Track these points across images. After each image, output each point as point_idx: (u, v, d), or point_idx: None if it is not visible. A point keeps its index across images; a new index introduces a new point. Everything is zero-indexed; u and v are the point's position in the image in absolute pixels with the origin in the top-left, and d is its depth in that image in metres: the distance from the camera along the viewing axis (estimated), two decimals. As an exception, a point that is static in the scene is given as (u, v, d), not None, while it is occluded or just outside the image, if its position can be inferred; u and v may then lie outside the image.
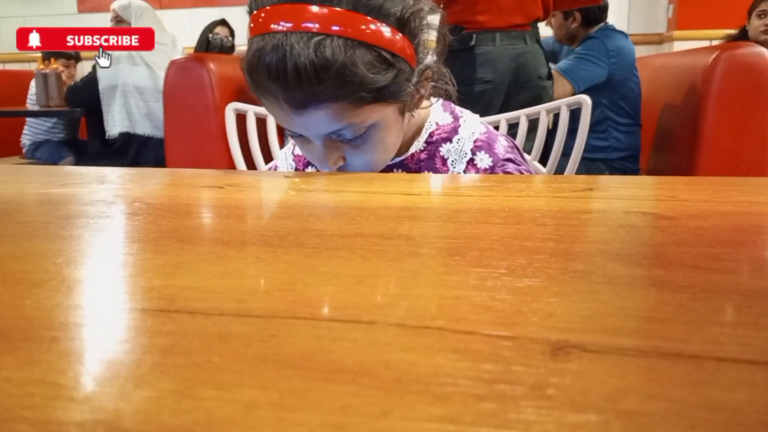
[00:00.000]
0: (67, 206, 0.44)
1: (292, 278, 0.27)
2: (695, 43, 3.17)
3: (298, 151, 0.74)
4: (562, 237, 0.34)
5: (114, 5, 2.54)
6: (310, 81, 0.53)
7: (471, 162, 0.67)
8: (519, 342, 0.20)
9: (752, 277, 0.27)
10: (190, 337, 0.21)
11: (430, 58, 0.64)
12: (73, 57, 3.26)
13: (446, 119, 0.69)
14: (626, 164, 2.11)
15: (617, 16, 3.54)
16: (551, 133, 1.13)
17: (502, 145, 0.69)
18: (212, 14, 3.68)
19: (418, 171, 0.68)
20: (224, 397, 0.17)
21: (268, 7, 0.55)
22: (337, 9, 0.53)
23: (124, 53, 2.43)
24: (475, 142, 0.67)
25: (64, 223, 0.39)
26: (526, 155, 1.00)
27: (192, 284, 0.26)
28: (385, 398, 0.17)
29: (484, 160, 0.67)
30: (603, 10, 2.16)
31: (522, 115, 1.06)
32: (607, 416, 0.16)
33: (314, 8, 0.53)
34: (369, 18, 0.54)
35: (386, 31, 0.56)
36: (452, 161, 0.67)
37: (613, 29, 2.13)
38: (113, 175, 0.59)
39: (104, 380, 0.18)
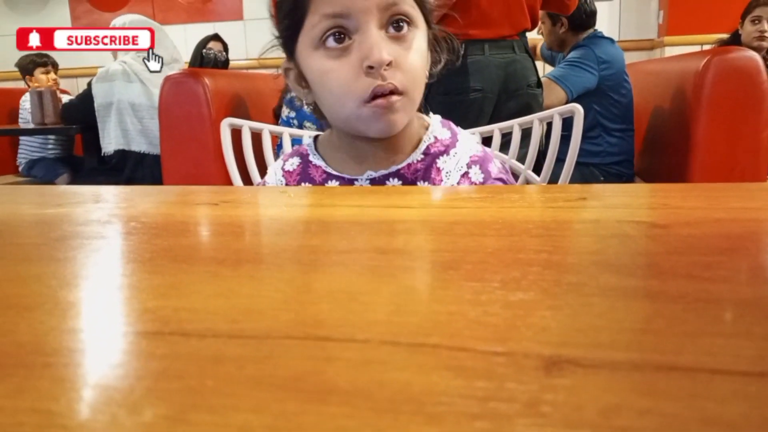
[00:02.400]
0: (61, 227, 0.44)
1: (286, 296, 0.27)
2: (686, 49, 3.19)
3: (288, 167, 0.74)
4: (556, 248, 0.34)
5: (114, 22, 2.54)
6: None
7: (465, 175, 0.68)
8: (513, 358, 0.20)
9: (745, 286, 0.27)
10: (183, 359, 0.21)
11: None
12: (50, 63, 3.25)
13: (445, 134, 0.70)
14: (620, 169, 2.12)
15: (608, 22, 3.57)
16: (544, 142, 1.13)
17: (495, 165, 0.70)
18: (206, 29, 3.70)
19: (414, 181, 0.68)
20: (217, 421, 0.17)
21: None
22: None
23: (119, 70, 2.43)
24: (471, 157, 0.68)
25: (59, 245, 0.39)
26: (519, 164, 1.00)
27: (186, 305, 0.26)
28: (379, 419, 0.17)
29: (477, 174, 0.67)
30: (590, 16, 2.18)
31: (515, 124, 1.07)
32: (601, 433, 0.16)
33: None
34: None
35: None
36: (447, 173, 0.68)
37: (601, 36, 2.15)
38: (108, 194, 0.59)
39: (97, 407, 0.18)
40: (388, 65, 0.58)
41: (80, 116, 2.56)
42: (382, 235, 0.38)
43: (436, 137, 0.70)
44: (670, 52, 3.28)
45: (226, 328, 0.23)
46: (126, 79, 2.43)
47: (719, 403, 0.17)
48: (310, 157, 0.72)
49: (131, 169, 2.51)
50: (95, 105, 2.47)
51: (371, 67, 0.58)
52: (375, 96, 0.59)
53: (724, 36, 2.68)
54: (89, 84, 2.55)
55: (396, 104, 0.60)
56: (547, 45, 2.34)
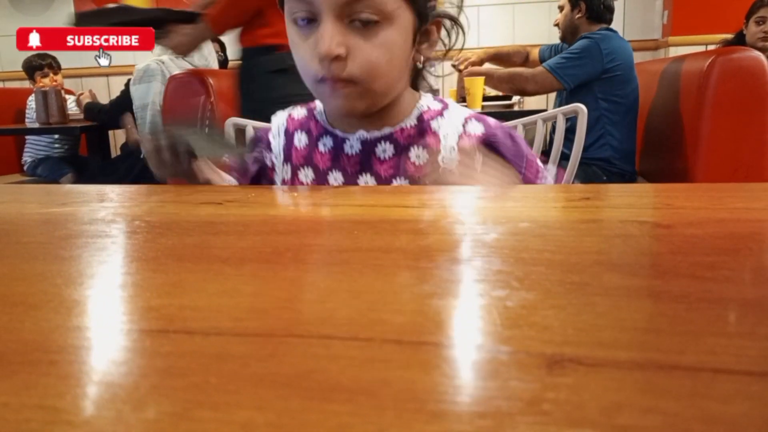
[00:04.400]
0: (66, 226, 0.45)
1: (290, 295, 0.27)
2: (691, 49, 3.18)
3: (295, 114, 0.77)
4: (559, 248, 0.34)
5: None
6: None
7: (463, 133, 0.69)
8: (515, 356, 0.20)
9: (748, 286, 0.27)
10: (188, 357, 0.21)
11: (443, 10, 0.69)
12: (46, 66, 3.26)
13: (436, 105, 0.72)
14: (623, 167, 2.12)
15: (613, 22, 3.56)
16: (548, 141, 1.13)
17: (492, 120, 0.72)
18: (210, 29, 3.70)
19: (408, 146, 0.69)
20: (221, 418, 0.17)
21: None
22: None
23: (157, 70, 2.37)
24: (466, 117, 0.70)
25: (64, 243, 0.39)
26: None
27: (190, 303, 0.26)
28: (382, 417, 0.17)
29: (476, 128, 0.69)
30: (608, 9, 2.20)
31: (519, 124, 1.07)
32: (603, 431, 0.16)
33: None
34: None
35: None
36: (444, 135, 0.69)
37: (609, 31, 2.16)
38: (113, 193, 0.59)
39: (102, 404, 0.18)
40: (336, 58, 0.60)
41: (118, 118, 2.52)
42: (385, 234, 0.38)
43: (428, 106, 0.72)
44: (674, 52, 3.27)
45: (230, 326, 0.24)
46: (163, 80, 2.38)
47: (721, 402, 0.17)
48: (315, 111, 0.75)
49: (140, 169, 2.50)
50: (134, 106, 2.43)
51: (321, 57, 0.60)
52: (324, 79, 0.62)
53: (729, 36, 2.67)
54: (127, 85, 2.51)
55: (343, 91, 0.62)
56: (561, 33, 2.34)
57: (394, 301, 0.26)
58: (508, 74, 2.13)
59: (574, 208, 0.44)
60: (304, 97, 0.73)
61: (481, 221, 0.42)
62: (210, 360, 0.21)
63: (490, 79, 2.15)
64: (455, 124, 0.69)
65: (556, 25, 2.36)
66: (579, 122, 1.01)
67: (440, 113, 0.71)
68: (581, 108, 0.99)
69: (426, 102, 0.72)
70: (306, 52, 0.63)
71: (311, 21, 0.61)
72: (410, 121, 0.70)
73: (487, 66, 2.28)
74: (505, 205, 0.47)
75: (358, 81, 0.62)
